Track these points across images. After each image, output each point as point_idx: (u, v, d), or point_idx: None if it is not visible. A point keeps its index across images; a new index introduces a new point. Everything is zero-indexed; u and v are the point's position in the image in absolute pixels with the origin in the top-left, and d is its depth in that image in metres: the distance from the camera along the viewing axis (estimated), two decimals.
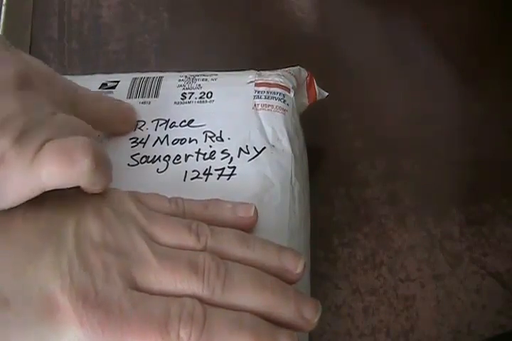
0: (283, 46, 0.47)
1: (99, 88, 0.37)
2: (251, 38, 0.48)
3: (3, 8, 0.50)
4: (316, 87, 0.39)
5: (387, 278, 0.37)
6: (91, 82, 0.36)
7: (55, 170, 0.26)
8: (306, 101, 0.39)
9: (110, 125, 0.34)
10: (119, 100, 0.35)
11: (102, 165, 0.27)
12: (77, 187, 0.28)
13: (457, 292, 0.37)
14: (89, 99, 0.33)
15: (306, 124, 0.38)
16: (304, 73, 0.39)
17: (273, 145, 0.34)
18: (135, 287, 0.26)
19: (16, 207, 0.27)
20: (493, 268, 0.37)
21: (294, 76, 0.38)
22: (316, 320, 0.27)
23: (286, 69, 0.38)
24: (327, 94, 0.40)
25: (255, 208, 0.30)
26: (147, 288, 0.26)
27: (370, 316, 0.36)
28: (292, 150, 0.34)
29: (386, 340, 0.35)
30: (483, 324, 0.35)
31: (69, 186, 0.27)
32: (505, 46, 0.47)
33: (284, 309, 0.27)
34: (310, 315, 0.27)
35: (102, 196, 0.29)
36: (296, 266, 0.28)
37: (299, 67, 0.39)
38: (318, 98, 0.39)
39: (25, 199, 0.26)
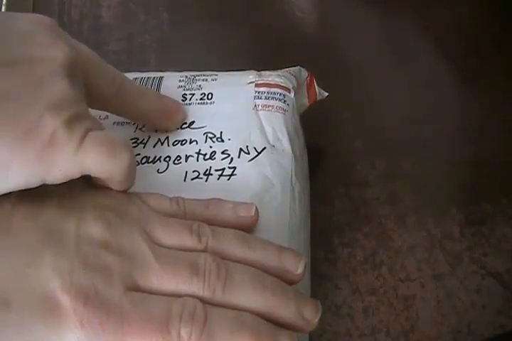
0: (283, 46, 0.47)
1: None
2: (251, 38, 0.48)
3: (3, 8, 0.50)
4: (316, 87, 0.39)
5: (387, 278, 0.37)
6: None
7: (99, 158, 0.27)
8: (306, 102, 0.39)
9: (153, 120, 0.35)
10: (166, 96, 0.35)
11: (135, 164, 0.28)
12: (79, 186, 0.28)
13: (457, 292, 0.37)
14: (134, 92, 0.33)
15: (306, 124, 0.38)
16: (304, 73, 0.39)
17: (273, 146, 0.34)
18: (136, 288, 0.26)
19: (16, 206, 0.27)
20: (493, 268, 0.37)
21: (294, 76, 0.38)
22: (316, 320, 0.27)
23: (287, 69, 0.38)
24: (327, 94, 0.40)
25: (256, 208, 0.30)
26: (148, 289, 0.26)
27: (370, 316, 0.36)
28: (292, 150, 0.34)
29: (386, 340, 0.35)
30: (483, 324, 0.36)
31: (106, 177, 0.28)
32: (505, 46, 0.47)
33: (285, 309, 0.27)
34: (310, 315, 0.27)
35: (103, 196, 0.29)
36: (297, 266, 0.28)
37: (299, 67, 0.39)
38: (318, 98, 0.39)
39: (65, 180, 0.27)
